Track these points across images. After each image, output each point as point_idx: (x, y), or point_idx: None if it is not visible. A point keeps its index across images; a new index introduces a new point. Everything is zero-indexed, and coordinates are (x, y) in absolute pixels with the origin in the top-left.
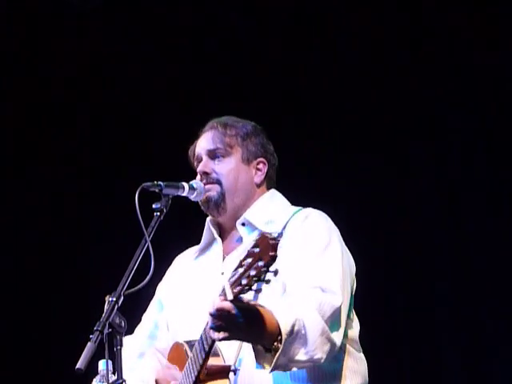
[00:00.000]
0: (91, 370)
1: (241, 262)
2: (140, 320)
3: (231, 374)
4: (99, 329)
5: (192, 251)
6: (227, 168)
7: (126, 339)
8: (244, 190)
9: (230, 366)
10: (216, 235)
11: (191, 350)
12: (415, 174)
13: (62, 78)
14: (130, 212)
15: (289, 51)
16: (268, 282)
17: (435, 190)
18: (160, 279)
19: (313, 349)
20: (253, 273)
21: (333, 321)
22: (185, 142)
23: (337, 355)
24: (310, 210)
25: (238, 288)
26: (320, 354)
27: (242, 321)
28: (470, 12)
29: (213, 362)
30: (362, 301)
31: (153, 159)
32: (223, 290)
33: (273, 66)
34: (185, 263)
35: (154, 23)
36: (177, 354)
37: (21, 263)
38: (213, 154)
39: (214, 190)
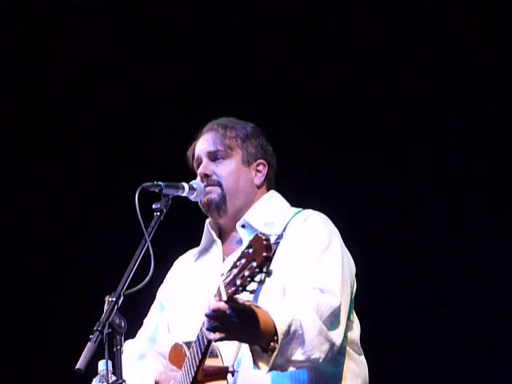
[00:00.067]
0: (91, 370)
1: (235, 262)
2: (140, 321)
3: (229, 376)
4: (99, 329)
5: (192, 253)
6: (228, 170)
7: (128, 342)
8: (244, 191)
9: (227, 367)
10: (215, 237)
11: (189, 351)
12: (415, 173)
13: (62, 78)
14: (130, 212)
15: (289, 51)
16: (262, 282)
17: (435, 190)
18: (160, 280)
19: (310, 348)
20: (246, 273)
21: (331, 321)
22: (185, 142)
23: (337, 357)
24: (310, 212)
25: (233, 289)
26: (318, 353)
27: (237, 321)
28: (470, 12)
29: (211, 362)
30: (362, 301)
31: (153, 159)
32: (218, 290)
33: (273, 66)
34: (185, 265)
35: (154, 23)
36: (176, 355)
37: (21, 263)
38: (213, 156)
39: (214, 193)
